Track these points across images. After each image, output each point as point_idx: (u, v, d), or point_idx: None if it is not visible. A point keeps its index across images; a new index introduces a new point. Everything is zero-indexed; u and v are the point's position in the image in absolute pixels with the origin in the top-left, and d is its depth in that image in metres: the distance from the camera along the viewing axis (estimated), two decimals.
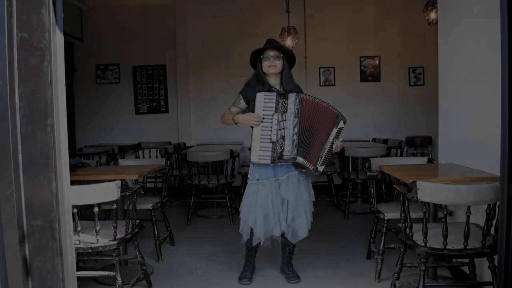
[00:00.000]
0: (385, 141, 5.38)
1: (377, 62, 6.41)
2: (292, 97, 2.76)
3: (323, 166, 2.78)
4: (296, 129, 2.75)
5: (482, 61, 2.71)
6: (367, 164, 3.24)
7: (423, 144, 5.97)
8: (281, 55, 2.87)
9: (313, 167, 2.76)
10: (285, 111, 2.75)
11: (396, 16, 6.34)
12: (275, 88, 2.89)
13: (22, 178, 1.30)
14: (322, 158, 2.76)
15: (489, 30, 2.56)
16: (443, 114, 3.37)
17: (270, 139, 2.75)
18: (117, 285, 2.59)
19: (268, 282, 3.04)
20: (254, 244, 2.90)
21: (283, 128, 2.75)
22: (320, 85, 6.45)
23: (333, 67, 6.45)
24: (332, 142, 2.75)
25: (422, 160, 3.38)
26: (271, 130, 2.76)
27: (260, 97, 2.79)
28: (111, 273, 2.70)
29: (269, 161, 2.75)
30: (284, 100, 2.76)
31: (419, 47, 6.26)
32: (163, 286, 3.00)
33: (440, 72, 3.41)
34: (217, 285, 3.02)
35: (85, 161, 3.76)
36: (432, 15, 4.79)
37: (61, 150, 1.54)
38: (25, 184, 1.31)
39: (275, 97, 2.77)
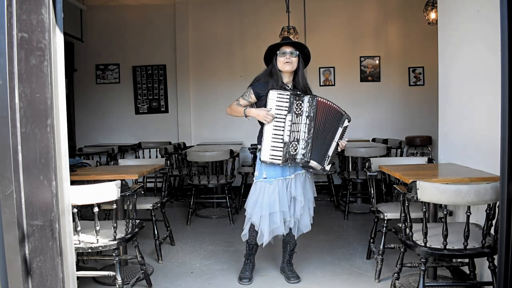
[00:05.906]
0: (385, 141, 5.38)
1: (377, 62, 6.41)
2: (307, 99, 2.72)
3: (330, 165, 2.79)
4: (311, 133, 2.72)
5: (482, 61, 2.71)
6: (367, 164, 3.24)
7: (423, 144, 5.97)
8: (298, 52, 2.81)
9: (321, 167, 2.76)
10: (300, 114, 2.71)
11: (396, 16, 6.34)
12: (288, 87, 2.85)
13: (22, 178, 1.30)
14: (329, 158, 2.76)
15: (489, 30, 2.57)
16: (443, 114, 3.36)
17: (283, 139, 2.72)
18: (117, 285, 2.59)
19: (268, 282, 3.04)
20: (260, 242, 2.87)
21: (297, 131, 2.72)
22: (320, 85, 6.45)
23: (333, 67, 6.45)
24: (337, 142, 2.76)
25: (422, 160, 3.38)
26: (283, 131, 2.71)
27: (273, 95, 2.71)
28: (111, 273, 2.70)
29: (280, 161, 2.72)
30: (300, 102, 2.70)
31: (419, 47, 6.27)
32: (163, 286, 3.00)
33: (440, 72, 3.40)
34: (217, 285, 3.02)
35: (85, 161, 3.74)
36: (432, 15, 4.79)
37: (61, 150, 1.54)
38: (25, 184, 1.31)
39: (288, 97, 2.71)
